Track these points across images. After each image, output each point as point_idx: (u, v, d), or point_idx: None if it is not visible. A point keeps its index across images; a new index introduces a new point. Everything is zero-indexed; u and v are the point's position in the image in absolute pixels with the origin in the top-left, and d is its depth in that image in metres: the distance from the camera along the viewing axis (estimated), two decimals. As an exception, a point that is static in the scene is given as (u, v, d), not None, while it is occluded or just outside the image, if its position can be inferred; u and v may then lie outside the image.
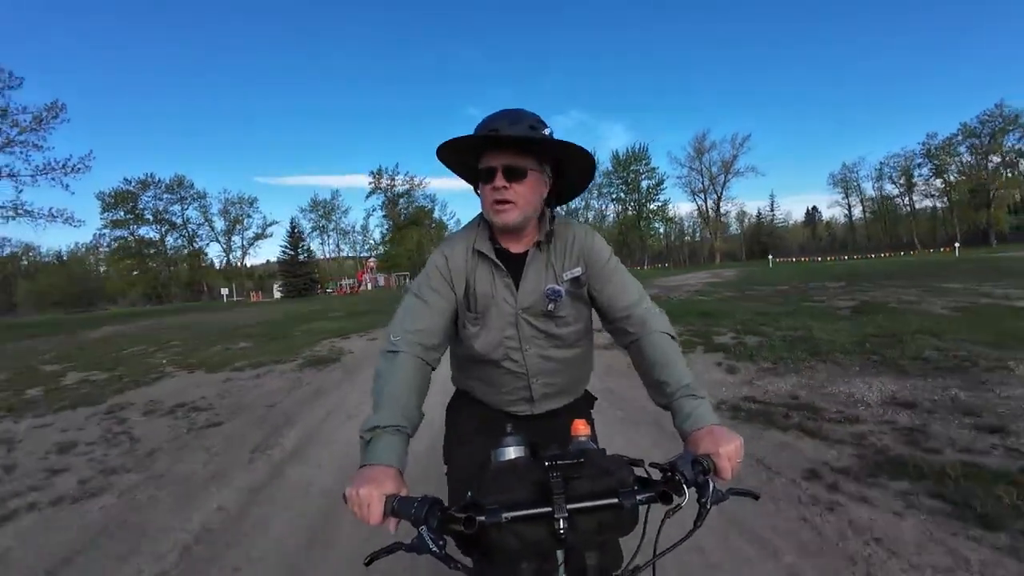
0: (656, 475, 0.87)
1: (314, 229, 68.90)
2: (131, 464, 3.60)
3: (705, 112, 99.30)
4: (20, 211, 22.86)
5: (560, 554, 0.87)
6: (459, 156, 1.19)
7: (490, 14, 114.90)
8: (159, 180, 56.32)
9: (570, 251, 1.22)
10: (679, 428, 0.98)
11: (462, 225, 1.32)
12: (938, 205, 55.61)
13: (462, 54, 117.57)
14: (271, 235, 69.94)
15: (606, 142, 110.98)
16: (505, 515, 0.77)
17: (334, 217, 69.50)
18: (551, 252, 1.22)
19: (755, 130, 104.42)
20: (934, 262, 22.32)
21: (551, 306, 1.19)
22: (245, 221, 64.03)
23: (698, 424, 0.94)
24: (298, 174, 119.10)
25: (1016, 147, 47.02)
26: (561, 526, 0.77)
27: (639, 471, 0.88)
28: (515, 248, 1.22)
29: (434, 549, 0.77)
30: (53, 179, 23.38)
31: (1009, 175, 48.36)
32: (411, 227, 61.95)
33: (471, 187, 1.26)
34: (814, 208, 76.98)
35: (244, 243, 65.46)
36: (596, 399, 1.46)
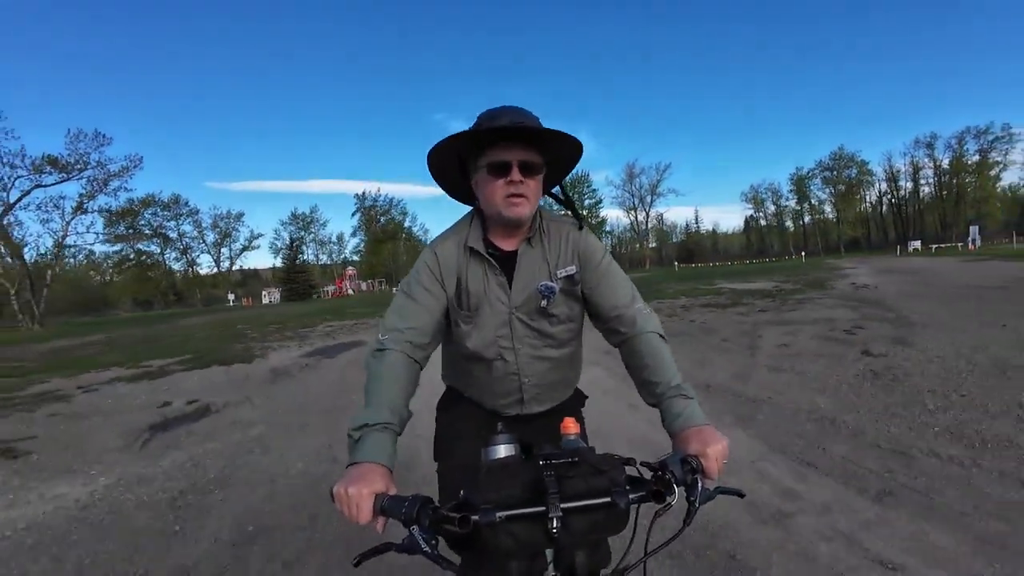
0: (647, 474, 0.87)
1: (295, 240, 77.05)
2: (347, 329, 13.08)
3: (645, 133, 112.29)
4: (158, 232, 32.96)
5: (550, 553, 0.89)
6: (448, 156, 1.15)
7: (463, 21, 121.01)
8: (159, 199, 63.17)
9: (565, 249, 1.21)
10: (668, 427, 0.98)
11: (447, 227, 1.26)
12: (817, 218, 70.59)
13: (431, 60, 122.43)
14: (258, 247, 76.95)
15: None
16: (499, 514, 0.76)
17: (313, 229, 77.88)
18: (546, 249, 1.20)
19: (698, 149, 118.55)
20: (769, 267, 33.21)
21: (544, 303, 1.18)
22: (233, 234, 71.43)
23: (687, 424, 0.94)
24: (254, 179, 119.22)
25: (854, 179, 63.71)
26: (554, 525, 0.76)
27: (630, 470, 0.87)
28: (507, 246, 1.20)
29: (426, 549, 0.75)
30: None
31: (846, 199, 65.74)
32: (388, 241, 70.95)
33: (450, 195, 1.27)
34: (751, 217, 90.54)
35: (232, 254, 72.69)
36: (587, 397, 1.46)
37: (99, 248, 51.54)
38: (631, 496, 0.80)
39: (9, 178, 32.43)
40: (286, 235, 74.58)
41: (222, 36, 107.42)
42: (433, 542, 0.77)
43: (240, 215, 72.14)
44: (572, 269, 1.20)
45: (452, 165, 1.18)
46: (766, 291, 14.26)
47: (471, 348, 1.21)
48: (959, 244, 45.13)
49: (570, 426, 0.98)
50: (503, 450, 0.96)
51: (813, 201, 68.04)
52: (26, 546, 2.73)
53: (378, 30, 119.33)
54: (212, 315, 28.60)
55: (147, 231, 62.79)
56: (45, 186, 34.83)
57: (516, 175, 1.08)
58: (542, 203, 1.24)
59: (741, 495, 0.96)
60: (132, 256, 61.97)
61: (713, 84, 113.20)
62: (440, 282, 1.17)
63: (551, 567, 0.89)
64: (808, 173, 66.81)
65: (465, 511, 0.75)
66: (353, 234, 76.75)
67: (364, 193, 73.47)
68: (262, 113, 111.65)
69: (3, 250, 30.61)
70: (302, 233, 77.02)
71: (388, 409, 0.98)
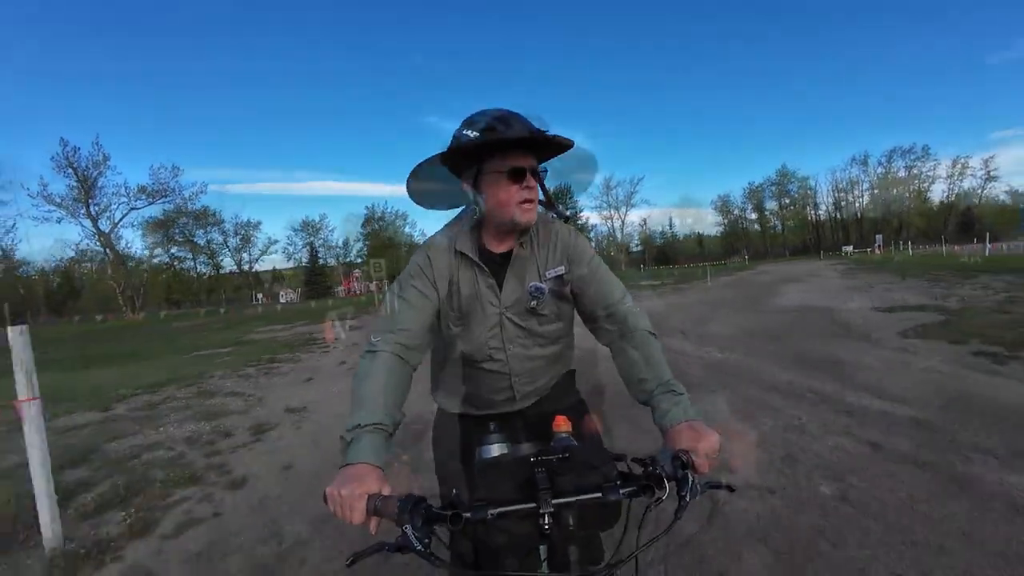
0: (638, 470, 0.87)
1: (305, 245, 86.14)
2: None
3: (633, 138, 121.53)
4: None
5: (543, 549, 0.89)
6: (460, 159, 1.14)
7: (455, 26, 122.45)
8: (191, 210, 72.12)
9: (553, 249, 1.22)
10: (659, 424, 0.98)
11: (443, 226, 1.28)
12: (768, 226, 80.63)
13: (425, 61, 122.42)
14: (275, 252, 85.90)
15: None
16: (491, 512, 0.77)
17: (322, 234, 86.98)
18: (535, 250, 1.22)
19: (676, 157, 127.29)
20: (690, 271, 42.19)
21: (534, 303, 1.20)
22: (252, 240, 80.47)
23: (677, 420, 0.95)
24: (245, 181, 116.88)
25: (796, 193, 74.79)
26: (546, 522, 0.77)
27: (621, 466, 0.88)
28: (498, 247, 1.21)
29: (419, 548, 0.76)
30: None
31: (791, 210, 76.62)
32: (390, 248, 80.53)
33: (420, 204, 1.29)
34: (719, 223, 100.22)
35: (251, 258, 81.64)
36: (574, 370, 1.46)
37: (142, 252, 61.59)
38: (622, 491, 0.81)
39: (116, 205, 44.15)
40: (298, 240, 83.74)
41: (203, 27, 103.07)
42: (426, 541, 0.77)
43: (258, 223, 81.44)
44: (561, 269, 1.21)
45: (439, 174, 1.18)
46: (645, 285, 22.70)
47: (462, 350, 1.23)
48: (867, 249, 54.83)
49: (562, 424, 1.03)
50: (496, 448, 1.05)
51: (766, 211, 78.66)
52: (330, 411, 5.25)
53: (369, 30, 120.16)
54: (255, 309, 37.52)
55: (179, 239, 71.74)
56: (137, 208, 46.26)
57: (531, 181, 1.11)
58: None
59: (731, 489, 0.95)
60: (168, 260, 70.76)
61: (696, 99, 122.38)
62: (432, 284, 1.18)
63: (544, 564, 0.89)
64: (759, 187, 77.24)
65: (457, 509, 0.76)
66: (357, 240, 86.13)
67: (372, 207, 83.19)
68: (251, 110, 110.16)
69: (110, 257, 40.78)
70: (311, 239, 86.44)
71: (380, 410, 0.98)
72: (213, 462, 3.94)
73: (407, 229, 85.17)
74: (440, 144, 1.13)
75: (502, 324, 1.22)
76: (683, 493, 0.83)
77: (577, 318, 1.32)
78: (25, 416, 2.60)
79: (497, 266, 1.21)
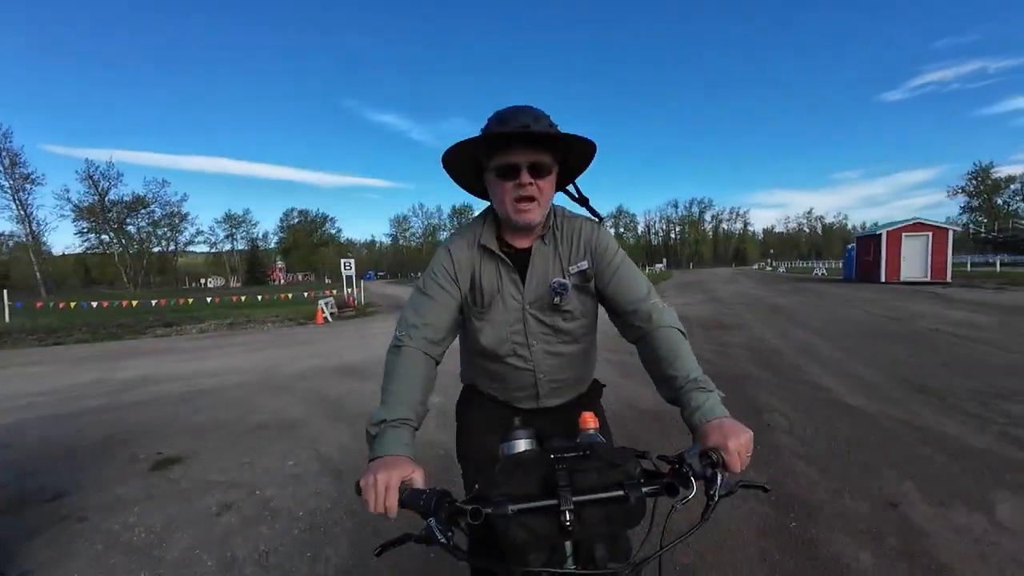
0: (664, 468, 0.86)
1: (227, 237, 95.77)
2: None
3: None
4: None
5: (568, 545, 0.88)
6: (464, 156, 1.15)
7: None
8: (123, 199, 79.60)
9: (576, 244, 1.22)
10: (688, 421, 0.96)
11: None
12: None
13: (347, 43, 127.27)
14: (202, 241, 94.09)
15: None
16: (512, 507, 0.78)
17: (244, 227, 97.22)
18: (557, 245, 1.22)
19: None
20: None
21: (557, 299, 1.19)
22: (180, 227, 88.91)
23: (707, 417, 0.93)
24: (109, 147, 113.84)
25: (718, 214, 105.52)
26: (567, 518, 0.78)
27: (647, 463, 0.88)
28: (521, 243, 1.22)
29: (442, 540, 0.77)
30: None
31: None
32: (321, 247, 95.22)
33: (468, 193, 1.28)
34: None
35: (176, 247, 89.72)
36: (604, 386, 1.46)
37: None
38: (644, 490, 0.81)
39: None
40: (220, 232, 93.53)
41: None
42: (449, 534, 0.78)
43: (186, 215, 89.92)
44: (584, 264, 1.21)
45: (467, 165, 1.19)
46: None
47: (485, 344, 1.23)
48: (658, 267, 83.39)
49: (589, 421, 1.03)
50: (521, 444, 1.05)
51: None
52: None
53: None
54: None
55: (113, 225, 78.67)
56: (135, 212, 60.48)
57: (526, 178, 1.09)
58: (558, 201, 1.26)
59: (765, 489, 0.93)
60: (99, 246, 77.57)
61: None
62: (454, 279, 1.19)
63: (570, 560, 0.88)
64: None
65: (478, 504, 0.78)
66: (275, 233, 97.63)
67: (292, 210, 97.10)
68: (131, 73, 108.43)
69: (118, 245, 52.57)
70: (233, 231, 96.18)
71: (405, 405, 1.01)
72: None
73: (329, 228, 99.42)
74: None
75: (525, 320, 1.22)
76: (711, 492, 0.81)
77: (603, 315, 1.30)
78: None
79: (520, 260, 1.21)
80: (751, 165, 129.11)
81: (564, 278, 1.20)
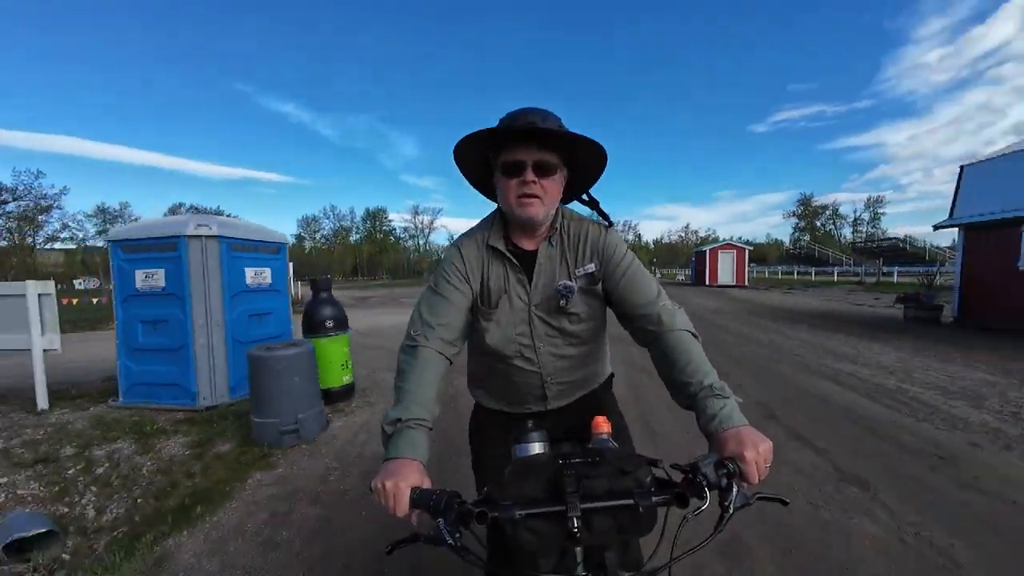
0: (677, 476, 0.84)
1: (100, 233, 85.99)
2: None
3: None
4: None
5: (579, 552, 0.87)
6: (474, 152, 1.16)
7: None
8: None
9: (584, 246, 1.22)
10: (704, 429, 0.94)
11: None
12: None
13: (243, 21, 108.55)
14: (69, 237, 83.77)
15: (399, 149, 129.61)
16: (519, 512, 0.78)
17: (121, 223, 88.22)
18: (565, 247, 1.22)
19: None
20: None
21: (563, 302, 1.19)
22: (40, 221, 78.64)
23: (725, 425, 0.90)
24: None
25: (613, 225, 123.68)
26: (575, 524, 0.77)
27: (659, 472, 0.86)
28: (528, 245, 1.22)
29: (450, 541, 0.78)
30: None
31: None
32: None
33: (478, 191, 1.28)
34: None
35: (37, 243, 79.27)
36: (612, 374, 1.45)
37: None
38: (654, 499, 0.79)
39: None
40: (89, 227, 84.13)
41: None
42: (458, 535, 0.79)
43: (48, 207, 79.74)
44: (591, 267, 1.21)
45: (477, 163, 1.20)
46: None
47: (491, 344, 1.23)
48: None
49: (601, 425, 1.03)
50: (536, 447, 1.05)
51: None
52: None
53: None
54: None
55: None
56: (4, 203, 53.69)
57: (530, 175, 1.10)
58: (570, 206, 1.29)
59: (784, 503, 0.88)
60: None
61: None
62: (466, 279, 1.20)
63: (580, 566, 0.86)
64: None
65: (486, 507, 0.78)
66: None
67: (179, 205, 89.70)
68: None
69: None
70: (108, 226, 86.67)
71: (421, 405, 1.02)
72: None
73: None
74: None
75: (531, 321, 1.21)
76: (726, 503, 0.79)
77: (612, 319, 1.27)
78: None
79: (527, 262, 1.21)
80: (649, 179, 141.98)
81: (571, 280, 1.21)
